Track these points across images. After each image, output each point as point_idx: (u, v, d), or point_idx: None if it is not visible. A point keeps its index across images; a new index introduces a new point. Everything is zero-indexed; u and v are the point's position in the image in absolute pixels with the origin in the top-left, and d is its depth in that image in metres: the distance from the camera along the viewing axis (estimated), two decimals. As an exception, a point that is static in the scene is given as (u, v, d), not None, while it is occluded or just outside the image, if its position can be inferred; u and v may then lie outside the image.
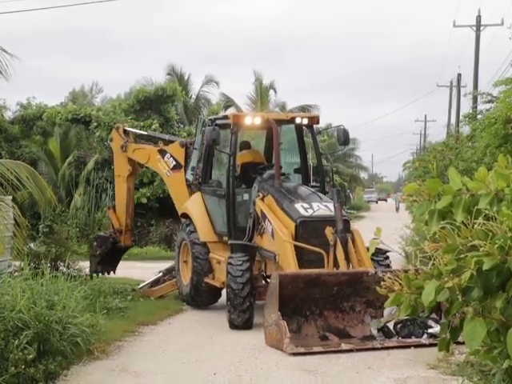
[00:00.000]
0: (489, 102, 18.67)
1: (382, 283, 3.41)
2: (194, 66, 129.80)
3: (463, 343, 3.25)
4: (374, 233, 3.71)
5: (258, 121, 13.64)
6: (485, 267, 2.96)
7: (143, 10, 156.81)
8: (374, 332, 10.86)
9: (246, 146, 14.69)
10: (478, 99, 22.05)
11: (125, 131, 16.35)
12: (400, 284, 3.33)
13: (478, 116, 20.82)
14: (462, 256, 3.07)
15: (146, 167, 17.89)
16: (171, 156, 15.31)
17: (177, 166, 15.19)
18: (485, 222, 3.11)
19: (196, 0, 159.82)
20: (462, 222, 3.22)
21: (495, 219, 3.11)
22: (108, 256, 16.11)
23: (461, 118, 28.15)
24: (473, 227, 3.14)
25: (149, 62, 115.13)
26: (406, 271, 3.51)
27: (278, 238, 11.86)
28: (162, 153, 15.51)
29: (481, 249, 2.99)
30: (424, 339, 10.45)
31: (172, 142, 15.73)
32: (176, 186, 15.42)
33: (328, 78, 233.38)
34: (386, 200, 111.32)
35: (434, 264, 3.28)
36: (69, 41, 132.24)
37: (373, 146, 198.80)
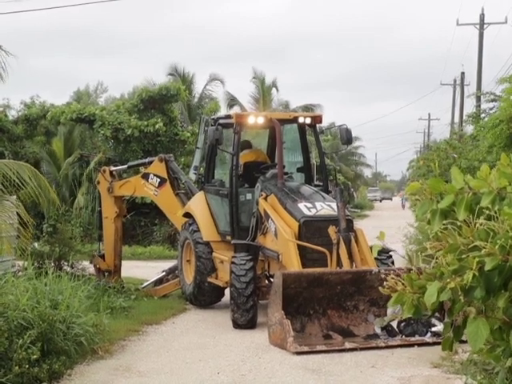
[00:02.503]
0: (492, 100, 18.65)
1: (385, 283, 3.41)
2: (198, 65, 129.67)
3: (467, 342, 3.25)
4: (377, 237, 3.70)
5: (260, 120, 13.65)
6: (486, 267, 2.95)
7: (148, 9, 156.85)
8: (378, 331, 10.87)
9: (246, 145, 14.66)
10: (482, 98, 22.03)
11: (111, 173, 16.52)
12: (403, 284, 3.33)
13: (482, 115, 20.79)
14: (463, 256, 3.07)
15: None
16: (154, 175, 15.56)
17: (162, 182, 15.46)
18: (486, 221, 3.11)
19: (193, 1, 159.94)
20: (464, 221, 3.21)
21: (497, 218, 3.11)
22: None
23: (464, 117, 28.12)
24: (475, 226, 3.14)
25: (153, 61, 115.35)
26: (409, 270, 3.51)
27: (281, 238, 11.87)
28: (145, 176, 15.81)
29: (482, 249, 2.99)
30: (427, 338, 10.46)
31: (152, 162, 15.92)
32: (165, 200, 15.60)
33: (332, 76, 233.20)
34: (391, 199, 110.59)
35: (436, 263, 3.28)
36: (75, 40, 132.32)
37: (377, 144, 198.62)
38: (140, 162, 17.88)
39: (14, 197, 11.91)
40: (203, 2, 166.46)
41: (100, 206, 16.84)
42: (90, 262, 16.35)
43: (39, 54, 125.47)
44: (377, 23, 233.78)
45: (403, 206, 67.06)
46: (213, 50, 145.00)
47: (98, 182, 16.78)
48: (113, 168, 16.96)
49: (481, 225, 3.12)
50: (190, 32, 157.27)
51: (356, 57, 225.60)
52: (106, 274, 16.18)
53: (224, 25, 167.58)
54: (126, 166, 17.94)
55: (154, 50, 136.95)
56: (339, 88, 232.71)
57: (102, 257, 16.47)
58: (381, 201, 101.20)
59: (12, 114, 32.16)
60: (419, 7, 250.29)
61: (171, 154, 16.85)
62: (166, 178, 15.38)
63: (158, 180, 15.49)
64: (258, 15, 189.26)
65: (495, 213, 3.14)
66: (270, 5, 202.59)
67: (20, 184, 10.88)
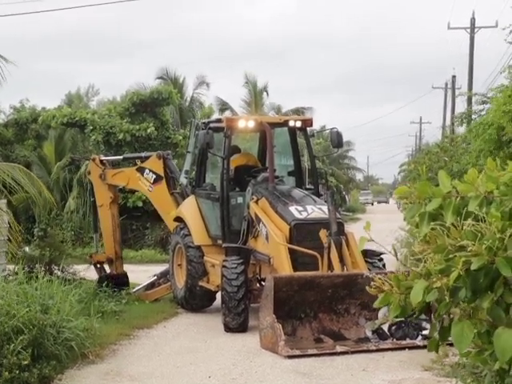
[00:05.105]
0: (483, 103, 18.67)
1: (372, 283, 3.43)
2: (194, 68, 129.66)
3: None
4: (364, 227, 3.73)
5: (251, 124, 13.67)
6: (473, 267, 2.97)
7: (143, 11, 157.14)
8: (369, 334, 10.87)
9: (235, 150, 14.63)
10: (473, 100, 22.08)
11: (101, 161, 16.43)
12: (390, 284, 3.35)
13: (473, 116, 20.82)
14: (450, 256, 3.09)
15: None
16: (150, 171, 15.45)
17: (157, 179, 15.34)
18: (474, 223, 3.13)
19: (197, 2, 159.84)
20: (452, 224, 3.23)
21: (484, 221, 3.13)
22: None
23: (455, 116, 28.13)
24: (462, 228, 3.16)
25: (153, 64, 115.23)
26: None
27: (272, 241, 11.87)
28: (141, 170, 15.65)
29: (469, 249, 3.01)
30: (418, 341, 10.46)
31: (149, 157, 15.83)
32: (160, 198, 15.53)
33: (324, 79, 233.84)
34: (387, 202, 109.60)
35: (425, 266, 3.30)
36: (71, 43, 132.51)
37: (371, 147, 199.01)
38: (136, 155, 17.80)
39: (5, 201, 11.89)
40: (201, 6, 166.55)
41: (93, 197, 16.60)
42: (91, 263, 16.25)
43: (38, 58, 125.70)
44: (369, 28, 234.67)
45: (399, 207, 67.77)
46: (210, 53, 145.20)
47: (89, 172, 16.61)
48: (103, 157, 16.89)
49: (468, 226, 3.14)
50: (187, 35, 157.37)
51: (349, 61, 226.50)
52: (108, 264, 16.11)
53: (224, 27, 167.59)
54: (121, 157, 17.91)
55: (153, 52, 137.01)
56: (333, 91, 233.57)
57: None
58: (372, 204, 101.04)
59: (2, 118, 32.13)
60: (411, 11, 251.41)
61: (169, 151, 16.74)
62: (163, 175, 15.28)
63: (154, 176, 15.39)
64: (258, 18, 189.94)
65: (482, 216, 3.16)
66: (269, 7, 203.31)
67: (13, 185, 10.85)
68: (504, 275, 3.02)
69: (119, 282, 15.68)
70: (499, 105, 14.36)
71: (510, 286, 3.07)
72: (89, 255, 16.74)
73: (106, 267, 16.39)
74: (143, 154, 16.57)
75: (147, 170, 15.49)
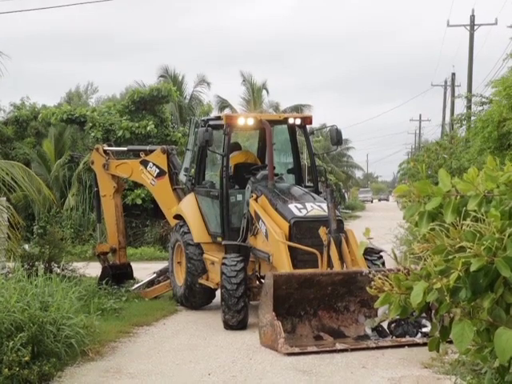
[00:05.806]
0: (482, 104, 18.61)
1: (372, 283, 3.43)
2: (194, 68, 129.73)
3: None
4: (363, 233, 3.73)
5: (250, 121, 13.66)
6: (472, 268, 2.97)
7: (142, 11, 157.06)
8: (369, 331, 10.89)
9: (235, 147, 14.63)
10: (472, 100, 22.03)
11: (105, 151, 16.43)
12: (390, 284, 3.35)
13: (472, 117, 20.81)
14: (450, 257, 3.09)
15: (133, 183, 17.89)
16: (154, 164, 15.45)
17: (160, 174, 15.34)
18: (473, 223, 3.13)
19: (197, 3, 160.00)
20: (452, 223, 3.23)
21: (484, 220, 3.13)
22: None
23: (454, 116, 28.11)
24: (461, 228, 3.16)
25: (147, 65, 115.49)
26: (399, 271, 3.53)
27: (271, 239, 11.88)
28: (145, 163, 15.65)
29: (468, 250, 3.01)
30: (418, 338, 10.48)
31: (154, 151, 15.81)
32: (162, 192, 15.54)
33: (323, 78, 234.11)
34: (387, 199, 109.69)
35: (424, 265, 3.30)
36: (71, 43, 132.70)
37: (368, 145, 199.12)
38: (140, 147, 17.79)
39: (4, 198, 11.89)
40: (204, 5, 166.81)
41: (96, 186, 16.55)
42: (94, 255, 16.25)
43: (39, 58, 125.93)
44: (368, 26, 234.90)
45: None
46: (211, 53, 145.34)
47: (92, 162, 16.57)
48: (106, 147, 16.90)
49: (467, 226, 3.14)
50: (186, 35, 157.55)
51: (348, 59, 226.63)
52: (112, 255, 16.15)
53: (224, 28, 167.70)
54: (125, 149, 17.91)
55: (152, 53, 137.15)
56: (332, 90, 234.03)
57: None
58: (372, 201, 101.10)
59: (1, 116, 32.10)
60: (410, 8, 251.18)
61: (173, 146, 16.70)
62: (166, 170, 15.30)
63: (157, 170, 15.40)
64: (257, 18, 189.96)
65: (482, 215, 3.17)
66: (271, 9, 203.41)
67: (13, 184, 10.84)
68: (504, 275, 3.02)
69: (123, 272, 15.73)
70: (500, 95, 14.33)
71: (510, 286, 3.08)
72: (92, 246, 16.76)
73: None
74: (148, 148, 16.54)
75: (151, 164, 15.50)
